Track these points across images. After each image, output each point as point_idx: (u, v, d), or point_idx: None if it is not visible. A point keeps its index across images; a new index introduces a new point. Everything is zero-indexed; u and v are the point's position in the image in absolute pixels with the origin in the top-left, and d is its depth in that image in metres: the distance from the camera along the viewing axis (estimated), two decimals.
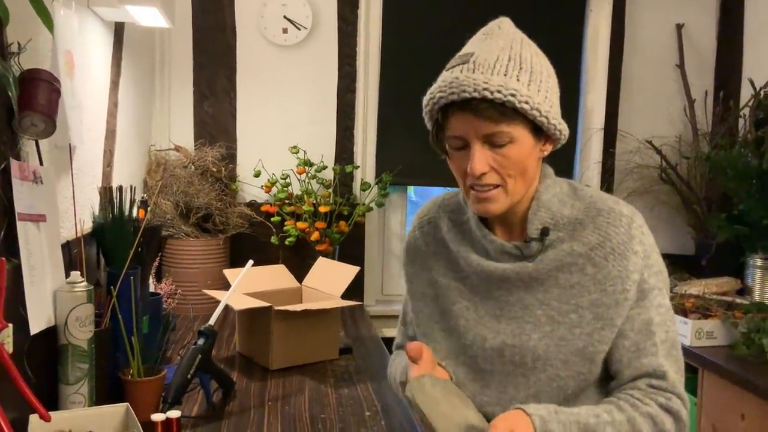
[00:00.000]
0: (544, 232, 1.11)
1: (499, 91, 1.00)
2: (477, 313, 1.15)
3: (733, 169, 2.42)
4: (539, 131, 1.07)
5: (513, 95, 1.00)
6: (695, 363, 2.19)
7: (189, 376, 1.56)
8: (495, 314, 1.14)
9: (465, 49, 1.08)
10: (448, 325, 1.19)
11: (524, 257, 1.12)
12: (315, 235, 2.63)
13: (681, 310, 2.31)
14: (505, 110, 1.02)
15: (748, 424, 1.98)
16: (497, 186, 1.07)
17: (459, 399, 1.09)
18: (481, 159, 1.04)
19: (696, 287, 2.49)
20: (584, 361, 1.07)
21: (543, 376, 1.09)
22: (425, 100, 1.09)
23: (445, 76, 1.06)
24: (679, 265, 2.72)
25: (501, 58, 1.03)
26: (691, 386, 2.23)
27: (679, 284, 2.56)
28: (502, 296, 1.13)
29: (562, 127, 1.08)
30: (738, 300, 2.35)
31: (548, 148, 1.11)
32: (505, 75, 1.02)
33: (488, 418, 1.13)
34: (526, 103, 1.01)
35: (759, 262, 2.48)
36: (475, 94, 1.00)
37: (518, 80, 1.02)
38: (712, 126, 2.90)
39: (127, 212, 1.67)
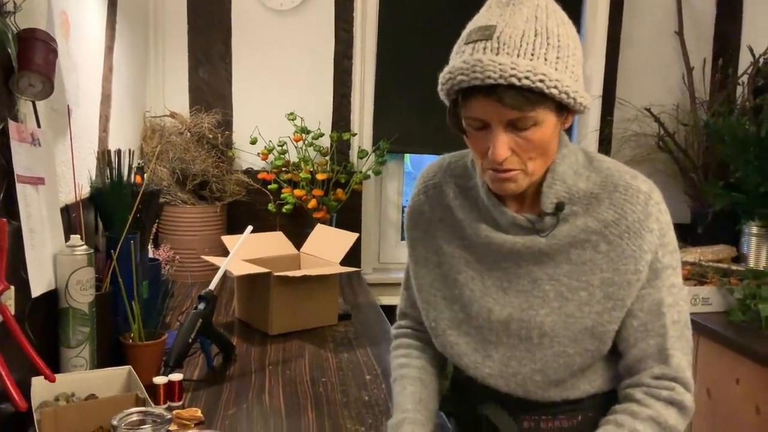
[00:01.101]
0: (559, 207, 1.06)
1: (527, 77, 0.93)
2: (483, 284, 1.12)
3: (731, 136, 2.42)
4: (563, 107, 1.01)
5: (542, 81, 0.94)
6: (692, 330, 2.20)
7: (190, 340, 1.56)
8: (502, 286, 1.11)
9: (485, 19, 0.99)
10: (451, 293, 1.16)
11: (536, 231, 1.08)
12: (312, 203, 2.62)
13: None
14: (532, 95, 0.95)
15: (742, 389, 2.00)
16: (518, 169, 1.02)
17: None
18: (503, 145, 0.99)
19: (692, 255, 2.50)
20: (592, 339, 1.06)
21: (549, 352, 1.07)
22: (443, 77, 1.01)
23: (466, 57, 0.96)
24: (675, 233, 2.73)
25: (527, 34, 0.95)
26: None
27: None
28: (510, 268, 1.10)
29: (586, 101, 1.02)
30: (734, 267, 2.37)
31: (570, 120, 1.06)
32: (532, 56, 0.94)
33: (489, 391, 1.14)
34: (555, 87, 0.95)
35: (755, 229, 2.50)
36: (501, 81, 0.93)
37: (546, 60, 0.95)
38: (711, 94, 2.90)
39: (125, 177, 1.65)
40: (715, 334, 2.09)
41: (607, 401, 1.11)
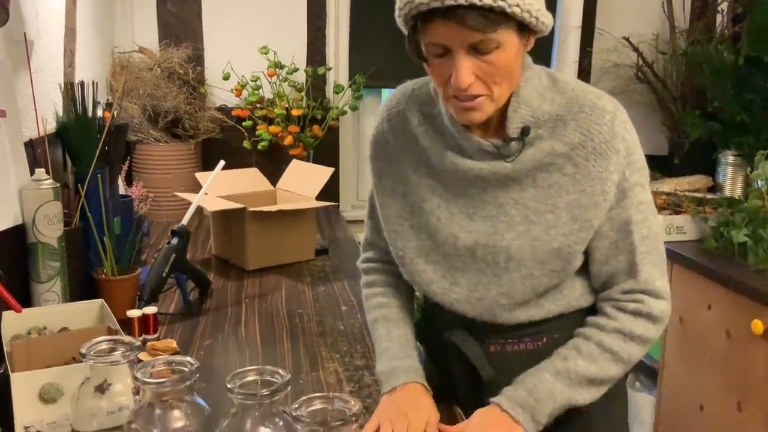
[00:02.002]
0: (525, 131, 1.06)
1: None
2: (449, 211, 1.12)
3: (709, 65, 2.40)
4: (524, 28, 0.99)
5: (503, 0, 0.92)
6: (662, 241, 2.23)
7: (164, 275, 1.56)
8: (468, 212, 1.11)
9: None
10: (418, 222, 1.16)
11: (502, 156, 1.07)
12: (288, 140, 2.58)
13: None
14: (493, 15, 0.92)
15: (714, 314, 2.04)
16: (482, 95, 1.01)
17: None
18: (466, 70, 0.97)
19: (668, 185, 2.51)
20: (559, 261, 1.07)
21: (516, 275, 1.08)
22: (400, 1, 0.98)
23: None
24: (652, 165, 2.73)
25: None
26: None
27: (652, 183, 2.58)
28: (476, 194, 1.10)
29: (548, 21, 1.00)
30: (709, 196, 2.38)
31: (532, 42, 1.04)
32: None
33: (457, 317, 1.15)
34: (518, 6, 0.92)
35: (731, 158, 2.51)
36: (462, 1, 0.90)
37: None
38: (690, 22, 2.86)
39: (90, 111, 1.61)
40: (688, 261, 2.12)
41: (572, 323, 1.13)
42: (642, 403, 2.43)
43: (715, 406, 2.04)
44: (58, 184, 1.40)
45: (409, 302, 1.27)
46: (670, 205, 2.32)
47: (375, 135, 1.23)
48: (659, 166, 2.74)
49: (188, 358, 0.97)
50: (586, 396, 1.06)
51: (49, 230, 1.37)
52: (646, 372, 2.44)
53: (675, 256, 2.16)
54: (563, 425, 1.09)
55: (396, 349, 1.17)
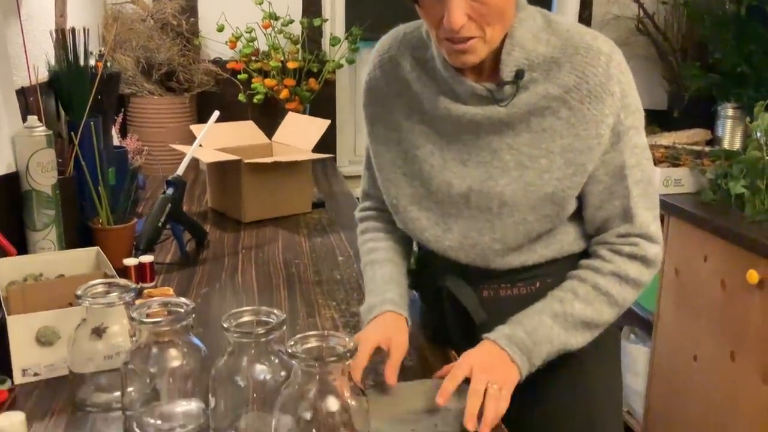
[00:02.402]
0: (519, 74, 1.04)
1: None
2: (443, 158, 1.11)
3: (710, 15, 2.37)
4: None
5: None
6: (662, 211, 2.23)
7: (160, 225, 1.55)
8: (462, 159, 1.10)
9: None
10: (411, 169, 1.14)
11: (495, 100, 1.05)
12: (284, 93, 2.56)
13: None
14: None
15: (709, 265, 2.05)
16: (475, 36, 0.99)
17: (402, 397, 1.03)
18: (458, 10, 0.94)
19: (667, 139, 2.49)
20: (552, 206, 1.06)
21: (509, 221, 1.07)
22: None
23: None
24: (651, 120, 2.72)
25: None
26: None
27: (650, 137, 2.56)
28: (469, 140, 1.09)
29: None
30: (707, 149, 2.37)
31: None
32: None
33: (450, 263, 1.14)
34: None
35: (730, 111, 2.49)
36: None
37: None
38: None
39: (82, 59, 1.59)
40: (685, 213, 2.11)
41: (564, 268, 1.13)
42: (636, 355, 2.46)
43: (709, 357, 2.07)
44: (51, 132, 1.39)
45: (400, 244, 1.26)
46: (668, 158, 2.31)
47: (367, 82, 1.21)
48: (658, 120, 2.72)
49: (184, 300, 0.98)
50: (579, 339, 1.07)
51: (43, 178, 1.36)
52: (641, 324, 2.46)
53: (672, 208, 2.16)
54: (556, 373, 1.10)
55: (378, 286, 1.17)
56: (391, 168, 1.17)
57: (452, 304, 1.17)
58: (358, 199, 2.30)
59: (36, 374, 1.06)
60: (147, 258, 1.44)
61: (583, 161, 1.04)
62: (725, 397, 1.99)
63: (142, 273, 1.43)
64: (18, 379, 1.05)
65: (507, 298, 1.15)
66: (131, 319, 0.92)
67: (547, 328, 1.04)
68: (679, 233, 2.18)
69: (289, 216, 2.00)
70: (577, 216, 1.12)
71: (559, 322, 1.05)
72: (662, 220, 2.20)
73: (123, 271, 1.41)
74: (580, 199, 1.09)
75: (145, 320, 0.92)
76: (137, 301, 0.97)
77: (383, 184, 1.19)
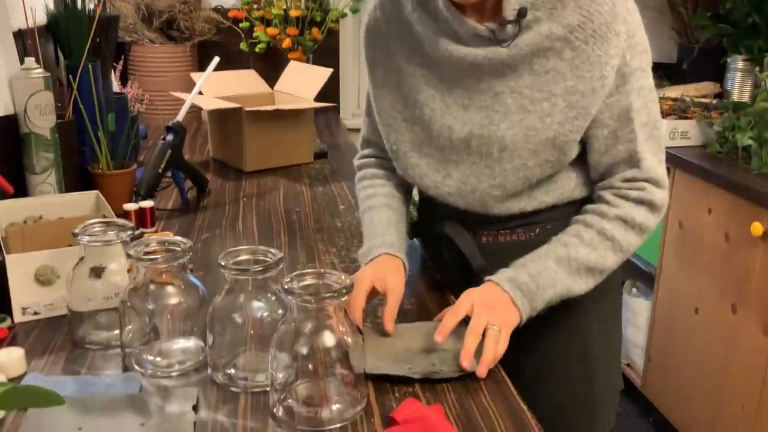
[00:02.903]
0: (522, 13, 1.00)
1: None
2: (444, 102, 1.09)
3: None
4: None
5: None
6: (668, 163, 2.20)
7: (160, 171, 1.55)
8: (463, 103, 1.07)
9: None
10: (412, 114, 1.12)
11: (498, 41, 1.02)
12: (287, 42, 2.52)
13: None
14: None
15: (713, 218, 2.04)
16: None
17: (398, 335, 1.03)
18: None
19: (675, 92, 2.46)
20: (553, 150, 1.04)
21: (509, 166, 1.05)
22: None
23: None
24: (660, 72, 2.68)
25: None
26: None
27: (658, 89, 2.52)
28: (471, 84, 1.06)
29: None
30: (716, 102, 2.34)
31: None
32: None
33: (450, 209, 1.13)
34: None
35: (740, 64, 2.44)
36: None
37: None
38: None
39: (80, 3, 1.56)
40: (690, 166, 2.09)
41: (565, 214, 1.11)
42: (638, 309, 2.47)
43: (710, 309, 2.07)
44: (49, 74, 1.37)
45: (398, 189, 1.25)
46: (675, 110, 2.28)
47: (368, 24, 1.19)
48: (667, 73, 2.67)
49: (181, 238, 0.98)
50: (582, 285, 1.06)
51: (42, 121, 1.35)
52: (643, 278, 2.47)
53: (677, 161, 2.14)
54: (554, 321, 1.10)
55: (374, 231, 1.16)
56: (390, 112, 1.15)
57: (451, 251, 1.17)
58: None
59: (36, 313, 1.06)
60: (147, 203, 1.43)
61: (586, 104, 1.01)
62: (725, 349, 2.00)
63: (143, 218, 1.42)
64: (18, 317, 1.05)
65: (506, 245, 1.14)
66: (128, 256, 0.92)
67: (551, 272, 1.03)
68: (684, 186, 2.16)
69: (291, 166, 1.99)
70: (580, 162, 1.10)
71: (563, 266, 1.04)
72: (668, 173, 2.20)
73: (123, 217, 1.40)
74: (584, 143, 1.07)
75: (142, 257, 0.92)
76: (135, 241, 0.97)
77: (383, 129, 1.18)
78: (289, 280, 0.84)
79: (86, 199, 1.32)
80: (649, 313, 2.39)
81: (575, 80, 1.01)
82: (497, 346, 0.96)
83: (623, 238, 1.06)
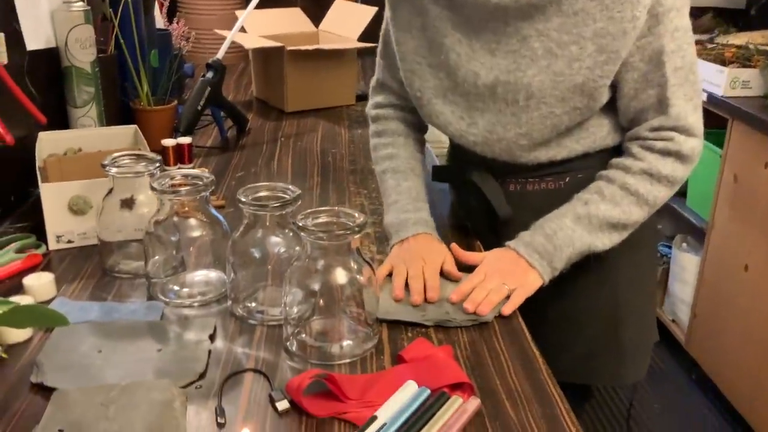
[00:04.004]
0: None
1: None
2: (471, 47, 1.04)
3: None
4: None
5: None
6: (725, 114, 2.11)
7: (199, 108, 1.56)
8: (490, 48, 1.02)
9: None
10: (437, 60, 1.08)
11: None
12: None
13: (720, 60, 2.19)
14: None
15: None
16: None
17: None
18: None
19: (740, 39, 2.32)
20: (582, 97, 0.99)
21: (535, 114, 1.01)
22: None
23: None
24: (726, 19, 2.54)
25: None
26: (718, 138, 2.18)
27: (722, 36, 2.39)
28: (498, 27, 1.01)
29: None
30: None
31: None
32: None
33: (478, 156, 1.10)
34: None
35: None
36: None
37: None
38: None
39: None
40: (749, 117, 1.99)
41: (597, 163, 1.08)
42: (687, 264, 2.40)
43: (761, 266, 1.99)
44: (89, 8, 1.38)
45: (419, 152, 1.23)
46: (738, 58, 2.16)
47: None
48: (734, 19, 2.53)
49: (205, 172, 0.99)
50: (606, 241, 1.03)
51: (82, 54, 1.37)
52: (694, 233, 2.39)
53: (736, 111, 2.04)
54: (582, 270, 1.07)
55: (405, 201, 1.14)
56: (414, 57, 1.10)
57: (478, 198, 1.15)
58: None
59: (70, 241, 1.10)
60: (185, 139, 1.45)
61: (617, 48, 0.96)
62: None
63: (180, 154, 1.44)
64: (52, 244, 1.09)
65: (534, 193, 1.12)
66: (152, 188, 0.94)
67: (569, 230, 1.01)
68: (741, 138, 2.06)
69: (333, 107, 1.98)
70: (611, 107, 1.05)
71: (582, 224, 1.01)
72: (725, 124, 2.10)
73: (162, 152, 1.43)
74: (614, 87, 1.03)
75: (165, 189, 0.93)
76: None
77: (405, 75, 1.13)
78: (303, 217, 0.84)
79: (125, 133, 1.35)
80: (698, 268, 2.32)
81: (605, 21, 0.95)
82: (497, 296, 0.96)
83: (648, 192, 1.02)
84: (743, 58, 2.15)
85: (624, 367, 1.18)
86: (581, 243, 1.02)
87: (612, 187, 1.03)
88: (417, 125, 1.24)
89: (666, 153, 1.01)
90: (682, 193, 2.42)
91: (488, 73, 1.03)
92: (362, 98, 2.05)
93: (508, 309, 0.96)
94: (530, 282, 1.00)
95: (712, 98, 2.14)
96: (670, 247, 2.54)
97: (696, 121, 1.01)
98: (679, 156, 1.01)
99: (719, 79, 2.10)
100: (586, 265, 1.09)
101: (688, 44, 0.98)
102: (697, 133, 1.02)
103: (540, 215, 1.07)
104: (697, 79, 1.01)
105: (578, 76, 0.98)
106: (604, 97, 1.01)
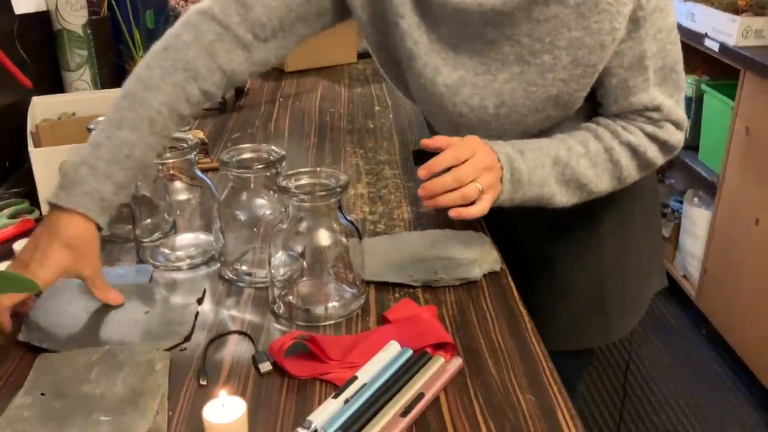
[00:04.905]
0: None
1: None
2: (429, 38, 0.94)
3: None
4: None
5: None
6: (738, 64, 2.05)
7: None
8: (453, 42, 0.93)
9: None
10: (385, 41, 0.99)
11: None
12: None
13: (732, 8, 2.12)
14: None
15: None
16: None
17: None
18: None
19: None
20: (556, 108, 0.93)
21: (506, 122, 0.95)
22: None
23: None
24: None
25: None
26: (730, 90, 2.12)
27: None
28: (460, 30, 0.92)
29: None
30: None
31: None
32: None
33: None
34: None
35: None
36: None
37: None
38: None
39: None
40: (762, 68, 1.93)
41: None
42: (697, 219, 2.37)
43: None
44: None
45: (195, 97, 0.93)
46: (752, 6, 2.09)
47: None
48: None
49: (190, 135, 0.98)
50: (565, 199, 0.94)
51: (73, 17, 1.36)
52: (706, 187, 2.35)
53: (748, 62, 1.98)
54: (569, 234, 1.06)
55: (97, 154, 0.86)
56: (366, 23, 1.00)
57: None
58: None
59: None
60: None
61: (594, 62, 0.88)
62: None
63: None
64: (45, 210, 1.09)
65: None
66: None
67: (546, 171, 0.91)
68: (753, 89, 2.01)
69: (333, 66, 1.95)
70: (591, 101, 0.97)
71: (557, 171, 0.92)
72: (737, 75, 2.05)
73: None
74: (592, 90, 0.94)
75: None
76: None
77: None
78: (284, 179, 0.83)
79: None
80: (709, 223, 2.29)
81: (581, 31, 0.86)
82: (461, 195, 0.83)
83: (626, 167, 0.94)
84: (757, 6, 2.08)
85: (609, 329, 1.15)
86: (548, 190, 0.92)
87: (598, 146, 0.93)
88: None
89: (654, 138, 0.94)
90: (693, 147, 2.38)
91: (452, 73, 0.94)
92: (364, 56, 2.02)
93: (475, 211, 0.84)
94: (495, 194, 0.88)
95: (723, 48, 2.08)
96: (681, 202, 2.50)
97: (682, 115, 0.95)
98: (665, 146, 0.95)
99: (731, 29, 2.04)
100: (574, 236, 1.07)
101: (671, 44, 0.91)
102: (683, 128, 0.96)
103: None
104: (680, 77, 0.94)
105: (552, 88, 0.90)
106: (580, 103, 0.94)
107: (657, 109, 0.93)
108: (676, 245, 2.54)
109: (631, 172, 0.95)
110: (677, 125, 0.95)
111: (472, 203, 0.84)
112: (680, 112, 0.95)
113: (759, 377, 2.06)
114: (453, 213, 0.84)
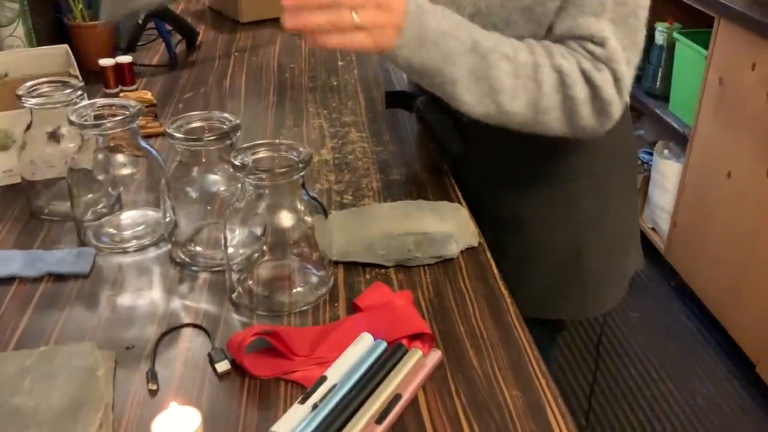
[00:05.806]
0: None
1: None
2: None
3: None
4: None
5: None
6: (711, 11, 1.99)
7: (140, 21, 1.42)
8: None
9: None
10: None
11: None
12: None
13: None
14: None
15: (757, 74, 1.85)
16: None
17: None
18: None
19: None
20: (529, 23, 0.86)
21: None
22: None
23: None
24: None
25: None
26: (703, 39, 2.06)
27: None
28: None
29: None
30: None
31: None
32: None
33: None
34: None
35: None
36: None
37: None
38: None
39: None
40: (736, 15, 1.87)
41: None
42: (667, 171, 2.33)
43: (744, 173, 1.93)
44: None
45: None
46: None
47: None
48: None
49: (132, 102, 0.88)
50: (468, 97, 0.82)
51: None
52: (677, 139, 2.30)
53: (722, 8, 1.92)
54: (542, 202, 1.01)
55: None
56: None
57: (430, 131, 1.05)
58: None
59: None
60: (125, 58, 1.32)
61: None
62: (756, 216, 1.88)
63: (121, 75, 1.32)
64: None
65: (491, 126, 0.91)
66: (69, 121, 0.83)
67: (457, 47, 0.80)
68: (726, 38, 1.95)
69: None
70: None
71: (473, 59, 0.81)
72: (712, 23, 1.98)
73: (101, 73, 1.31)
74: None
75: (85, 123, 0.83)
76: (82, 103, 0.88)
77: None
78: (239, 153, 0.74)
79: (56, 53, 1.22)
80: (679, 176, 2.25)
81: None
82: (330, 21, 0.73)
83: (548, 96, 0.83)
84: None
85: (586, 302, 1.10)
86: (452, 71, 0.81)
87: (527, 58, 0.83)
88: None
89: (587, 78, 0.84)
90: (664, 98, 2.32)
91: None
92: None
93: (334, 41, 0.75)
94: (384, 36, 0.77)
95: None
96: (651, 154, 2.46)
97: (627, 73, 0.85)
98: (596, 94, 0.84)
99: None
100: (547, 195, 1.02)
101: None
102: (621, 90, 0.85)
103: (500, 149, 0.98)
104: (639, 29, 0.85)
105: None
106: (550, 18, 0.87)
107: (601, 44, 0.84)
108: (645, 198, 2.51)
109: (551, 104, 0.84)
110: (616, 79, 0.84)
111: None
112: (624, 67, 0.84)
113: (727, 329, 2.06)
114: (309, 39, 0.74)
